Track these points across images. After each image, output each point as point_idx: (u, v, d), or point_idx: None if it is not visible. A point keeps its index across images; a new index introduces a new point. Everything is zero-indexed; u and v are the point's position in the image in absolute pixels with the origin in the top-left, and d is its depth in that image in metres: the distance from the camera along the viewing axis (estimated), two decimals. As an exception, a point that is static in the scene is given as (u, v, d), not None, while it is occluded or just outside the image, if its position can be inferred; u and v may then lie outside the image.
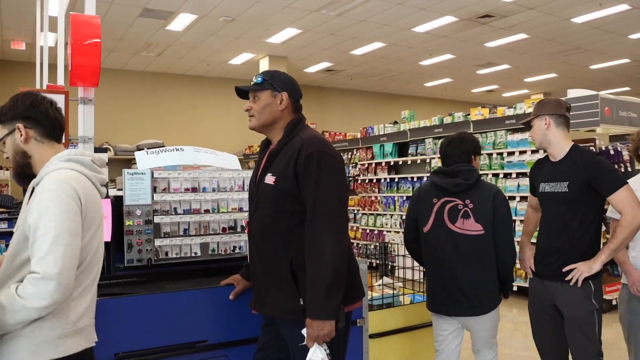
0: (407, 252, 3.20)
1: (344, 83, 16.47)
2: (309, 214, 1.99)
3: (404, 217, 8.62)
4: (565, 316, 2.76)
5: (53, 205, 1.58)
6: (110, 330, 2.09)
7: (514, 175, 6.92)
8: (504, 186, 6.97)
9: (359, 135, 10.13)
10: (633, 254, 2.91)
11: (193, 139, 12.52)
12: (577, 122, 6.06)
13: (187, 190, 2.88)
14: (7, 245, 3.98)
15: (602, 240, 2.87)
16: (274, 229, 2.09)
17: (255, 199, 2.19)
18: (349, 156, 10.26)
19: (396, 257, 4.45)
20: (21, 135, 1.75)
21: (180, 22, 10.36)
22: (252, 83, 2.20)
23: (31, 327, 1.58)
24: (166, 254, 2.81)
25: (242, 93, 2.23)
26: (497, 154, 7.18)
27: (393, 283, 4.02)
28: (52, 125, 1.79)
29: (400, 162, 9.09)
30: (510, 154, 7.03)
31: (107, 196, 2.44)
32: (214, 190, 2.95)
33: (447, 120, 8.24)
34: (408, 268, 3.78)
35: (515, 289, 6.21)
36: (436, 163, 8.11)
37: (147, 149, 3.12)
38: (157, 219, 2.76)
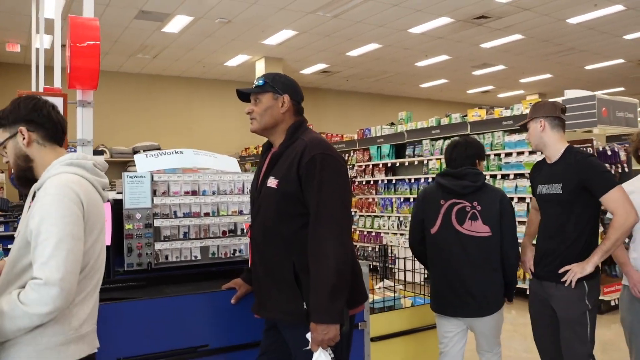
0: (407, 255, 3.19)
1: (340, 84, 16.49)
2: (312, 217, 1.98)
3: (401, 218, 8.62)
4: (559, 316, 2.77)
5: (55, 209, 1.56)
6: (111, 335, 2.06)
7: (511, 177, 6.90)
8: (501, 187, 6.93)
9: (355, 137, 10.12)
10: (634, 256, 2.90)
11: (189, 141, 12.49)
12: (574, 122, 6.08)
13: (187, 193, 2.86)
14: (3, 249, 3.95)
15: (600, 241, 2.87)
16: (276, 232, 2.08)
17: (257, 202, 2.17)
18: (346, 158, 10.25)
19: (396, 260, 4.45)
20: (24, 138, 1.73)
21: (176, 24, 10.35)
22: (253, 86, 2.18)
23: (33, 334, 1.56)
24: (166, 257, 2.79)
25: (243, 96, 2.22)
26: (495, 155, 7.15)
27: (394, 286, 4.01)
28: (55, 129, 1.77)
29: (398, 164, 9.07)
30: (508, 155, 7.00)
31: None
32: (214, 193, 2.94)
33: (445, 121, 8.22)
34: (409, 271, 3.78)
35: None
36: (434, 164, 8.11)
37: (144, 151, 3.10)
38: (157, 223, 2.74)
